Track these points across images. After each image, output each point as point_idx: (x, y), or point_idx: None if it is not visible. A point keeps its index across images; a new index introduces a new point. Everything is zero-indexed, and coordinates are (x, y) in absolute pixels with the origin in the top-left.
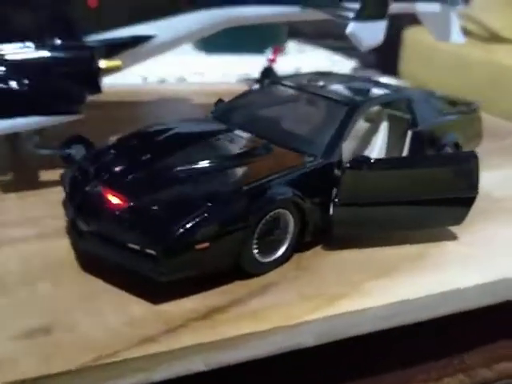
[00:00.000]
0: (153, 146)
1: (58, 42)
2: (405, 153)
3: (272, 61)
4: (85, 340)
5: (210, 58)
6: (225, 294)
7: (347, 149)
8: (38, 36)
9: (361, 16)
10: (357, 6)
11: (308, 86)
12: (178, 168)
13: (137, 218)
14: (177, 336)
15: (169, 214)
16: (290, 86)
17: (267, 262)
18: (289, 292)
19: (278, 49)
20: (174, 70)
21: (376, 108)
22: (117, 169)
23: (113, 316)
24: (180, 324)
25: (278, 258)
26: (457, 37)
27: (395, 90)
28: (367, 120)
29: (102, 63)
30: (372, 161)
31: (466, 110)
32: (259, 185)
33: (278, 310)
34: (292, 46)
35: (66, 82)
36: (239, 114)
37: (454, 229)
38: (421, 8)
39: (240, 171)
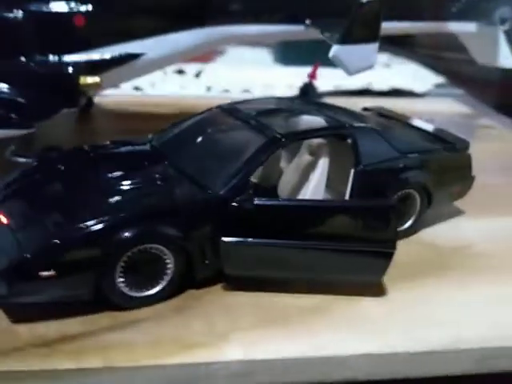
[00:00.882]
0: (61, 170)
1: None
2: (347, 194)
3: (312, 77)
4: None
5: (287, 70)
6: (84, 324)
7: (288, 183)
8: (20, 51)
9: (345, 39)
10: None
11: (245, 114)
12: (64, 195)
13: (2, 238)
14: (6, 359)
15: (25, 237)
16: (229, 113)
17: (139, 296)
18: (151, 332)
19: (318, 65)
20: (241, 82)
21: (318, 141)
22: (14, 187)
23: None
24: (16, 347)
25: (155, 294)
26: (506, 60)
27: (350, 122)
28: (311, 154)
29: (81, 79)
30: (256, 201)
31: (448, 148)
32: (128, 218)
33: (125, 349)
34: (380, 58)
35: (35, 96)
36: (169, 142)
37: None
38: (455, 28)
39: (117, 204)
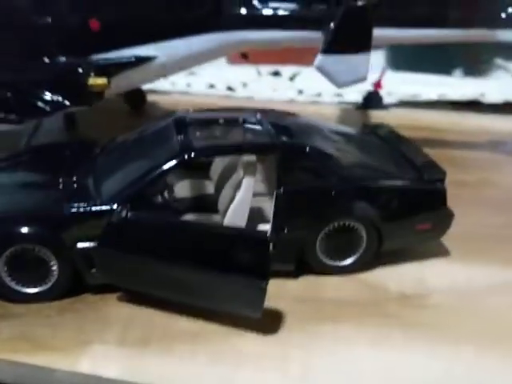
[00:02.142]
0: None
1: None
2: (270, 216)
3: (377, 86)
4: None
5: (394, 76)
6: None
7: (224, 198)
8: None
9: (330, 48)
10: None
11: (183, 125)
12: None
13: None
14: None
15: None
16: (175, 122)
17: (23, 292)
18: (21, 327)
19: (384, 73)
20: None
21: (248, 158)
22: None
23: None
24: None
25: (39, 292)
26: None
27: (283, 139)
28: (243, 170)
29: (90, 80)
30: (129, 215)
31: (414, 179)
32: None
33: None
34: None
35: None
36: (114, 147)
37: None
38: (504, 36)
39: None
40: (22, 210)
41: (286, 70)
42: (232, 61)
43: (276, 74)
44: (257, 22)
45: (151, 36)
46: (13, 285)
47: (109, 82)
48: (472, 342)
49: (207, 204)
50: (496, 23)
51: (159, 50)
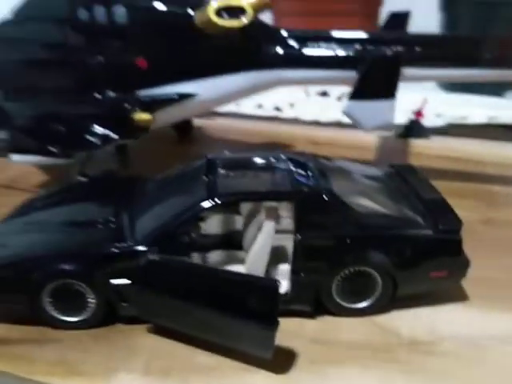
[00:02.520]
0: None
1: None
2: (289, 262)
3: (418, 114)
4: None
5: (446, 97)
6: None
7: (248, 241)
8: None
9: (356, 94)
10: None
11: (212, 169)
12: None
13: None
14: None
15: None
16: (205, 165)
17: (63, 320)
18: (59, 351)
19: (426, 102)
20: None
21: (270, 203)
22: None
23: None
24: None
25: (78, 321)
26: None
27: (300, 187)
28: (265, 214)
29: (136, 115)
30: (150, 257)
31: (430, 229)
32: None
33: (28, 361)
34: None
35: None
36: (152, 186)
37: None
38: None
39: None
40: (65, 249)
41: (334, 90)
42: None
43: (324, 94)
44: (293, 61)
45: (193, 74)
46: (54, 313)
47: (152, 117)
48: None
49: (234, 240)
50: None
51: (200, 88)
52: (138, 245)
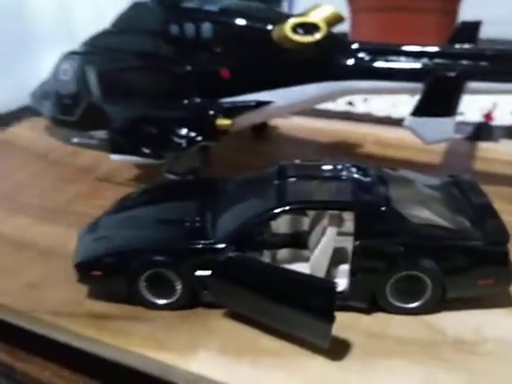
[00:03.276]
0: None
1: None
2: (349, 263)
3: (488, 117)
4: None
5: None
6: (121, 309)
7: (312, 243)
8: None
9: (417, 111)
10: None
11: (284, 176)
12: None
13: None
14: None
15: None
16: (277, 172)
17: (157, 303)
18: (150, 328)
19: (495, 106)
20: None
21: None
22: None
23: None
24: (77, 313)
25: (166, 304)
26: None
27: (362, 197)
28: (328, 220)
29: (218, 121)
30: (230, 255)
31: (478, 240)
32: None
33: (126, 335)
34: None
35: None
36: (234, 186)
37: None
38: None
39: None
40: (158, 243)
41: None
42: None
43: None
44: (363, 73)
45: (270, 84)
46: (149, 296)
47: (233, 123)
48: None
49: (301, 240)
50: None
51: (276, 96)
52: (219, 242)
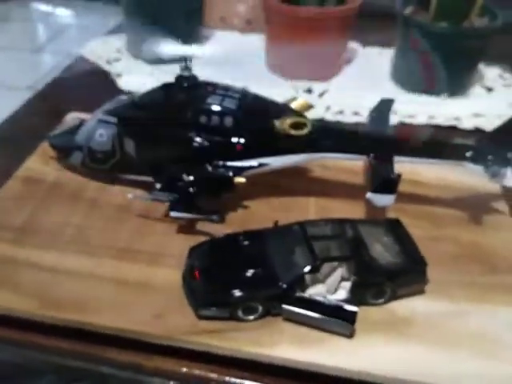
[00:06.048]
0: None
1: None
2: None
3: None
4: None
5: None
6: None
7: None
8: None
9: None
10: None
11: (309, 233)
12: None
13: None
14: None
15: None
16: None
17: (246, 319)
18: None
19: None
20: (354, 104)
21: None
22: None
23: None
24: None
25: (252, 318)
26: None
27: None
28: None
29: (235, 179)
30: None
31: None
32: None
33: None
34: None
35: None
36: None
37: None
38: None
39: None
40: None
41: (317, 87)
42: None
43: (309, 91)
44: (333, 148)
45: (269, 153)
46: (242, 316)
47: (245, 181)
48: None
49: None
50: None
51: (272, 160)
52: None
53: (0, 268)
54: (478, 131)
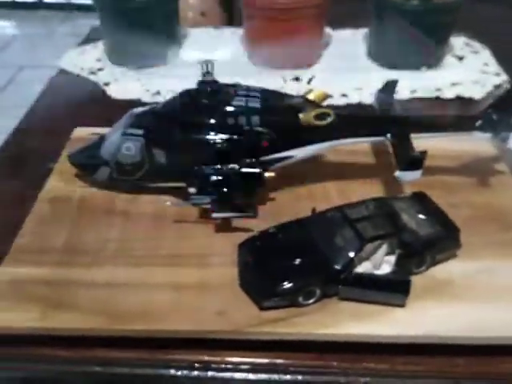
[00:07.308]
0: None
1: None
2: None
3: None
4: None
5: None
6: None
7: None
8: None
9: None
10: None
11: (351, 214)
12: None
13: None
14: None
15: None
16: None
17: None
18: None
19: None
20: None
21: None
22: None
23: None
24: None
25: (310, 302)
26: None
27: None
28: None
29: (265, 174)
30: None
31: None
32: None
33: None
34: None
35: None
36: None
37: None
38: None
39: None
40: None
41: (306, 74)
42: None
43: (297, 79)
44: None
45: (293, 146)
46: (302, 301)
47: (275, 175)
48: None
49: None
50: None
51: (296, 152)
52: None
53: (54, 290)
54: (459, 99)
